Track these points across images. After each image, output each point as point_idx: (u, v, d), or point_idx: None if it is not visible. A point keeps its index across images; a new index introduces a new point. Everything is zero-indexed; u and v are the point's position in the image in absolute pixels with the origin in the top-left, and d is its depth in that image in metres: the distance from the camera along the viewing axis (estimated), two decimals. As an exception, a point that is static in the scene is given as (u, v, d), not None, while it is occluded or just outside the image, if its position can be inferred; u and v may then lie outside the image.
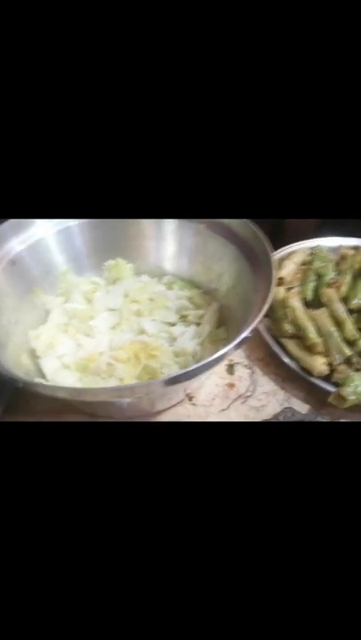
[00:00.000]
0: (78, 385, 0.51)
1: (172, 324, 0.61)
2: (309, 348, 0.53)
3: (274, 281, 0.46)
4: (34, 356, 0.54)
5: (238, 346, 0.42)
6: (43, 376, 0.52)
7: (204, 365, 0.41)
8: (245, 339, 0.43)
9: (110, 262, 0.65)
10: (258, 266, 0.52)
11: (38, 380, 0.51)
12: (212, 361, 0.41)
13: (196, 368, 0.41)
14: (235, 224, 0.56)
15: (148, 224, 0.63)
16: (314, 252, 0.66)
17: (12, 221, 0.54)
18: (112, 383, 0.51)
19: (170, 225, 0.62)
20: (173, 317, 0.62)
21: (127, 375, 0.52)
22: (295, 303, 0.57)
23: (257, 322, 0.42)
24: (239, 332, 0.48)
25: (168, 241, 0.64)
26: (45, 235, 0.58)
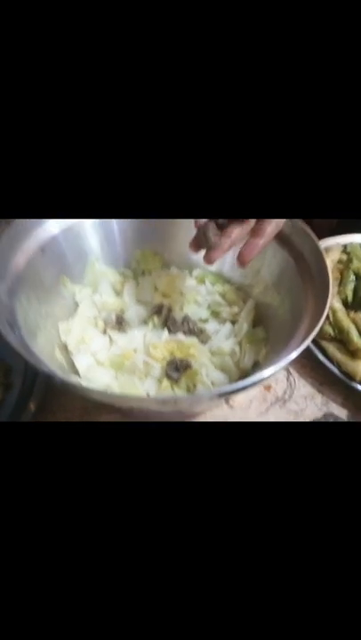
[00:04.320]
0: (114, 383, 0.49)
1: (204, 321, 0.59)
2: (353, 353, 0.51)
3: (330, 287, 0.43)
4: (65, 350, 0.51)
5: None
6: (76, 372, 0.50)
7: (258, 380, 0.38)
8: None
9: (138, 253, 0.62)
10: (303, 260, 0.49)
11: (74, 376, 0.49)
12: (269, 376, 0.38)
13: (251, 383, 0.37)
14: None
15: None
16: (350, 251, 0.64)
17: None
18: (149, 382, 0.49)
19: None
20: (205, 313, 0.60)
21: (165, 374, 0.50)
22: (336, 304, 0.56)
23: (318, 329, 0.40)
24: (285, 334, 0.47)
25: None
26: (81, 220, 0.55)
